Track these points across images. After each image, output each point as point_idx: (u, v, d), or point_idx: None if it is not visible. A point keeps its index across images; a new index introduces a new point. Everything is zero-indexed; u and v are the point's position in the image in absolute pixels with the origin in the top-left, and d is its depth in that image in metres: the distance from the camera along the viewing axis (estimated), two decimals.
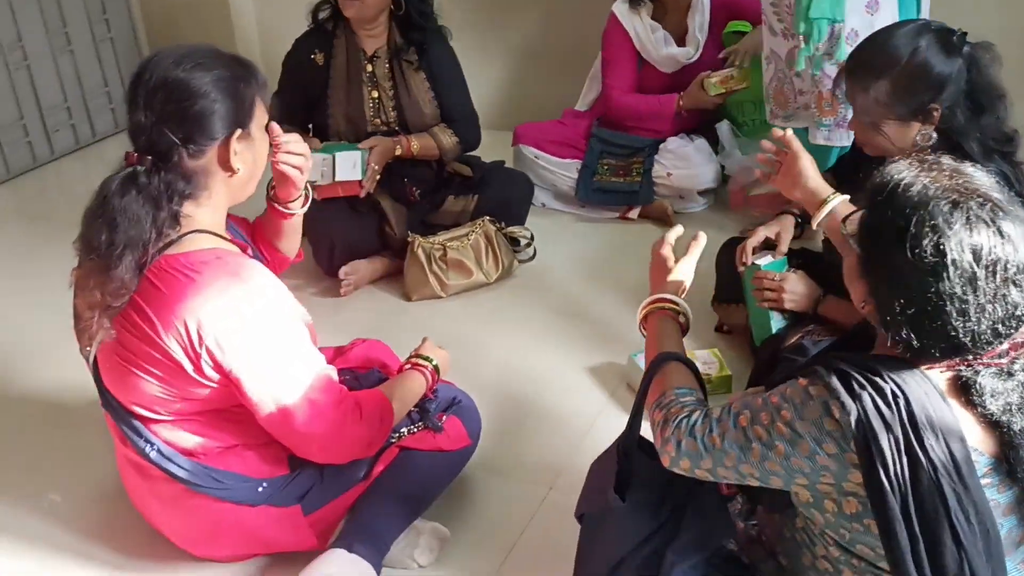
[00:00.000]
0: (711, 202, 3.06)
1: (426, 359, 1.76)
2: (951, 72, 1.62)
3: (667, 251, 1.52)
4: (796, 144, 1.70)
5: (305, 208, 1.71)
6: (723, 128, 3.02)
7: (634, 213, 3.01)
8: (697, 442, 1.18)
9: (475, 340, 2.37)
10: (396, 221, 2.62)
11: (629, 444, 1.35)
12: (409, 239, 2.57)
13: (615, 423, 2.04)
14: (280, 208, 1.68)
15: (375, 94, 2.58)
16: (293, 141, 1.57)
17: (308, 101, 2.61)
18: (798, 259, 2.11)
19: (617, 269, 2.73)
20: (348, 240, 2.58)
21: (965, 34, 1.65)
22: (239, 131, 1.42)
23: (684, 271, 1.50)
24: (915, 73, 1.62)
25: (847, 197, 1.66)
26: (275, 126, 1.53)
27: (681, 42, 2.99)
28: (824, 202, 1.66)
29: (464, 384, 1.89)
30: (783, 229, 2.07)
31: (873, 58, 1.67)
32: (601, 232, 2.98)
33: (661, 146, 2.99)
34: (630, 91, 3.00)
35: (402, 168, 2.64)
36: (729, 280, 2.25)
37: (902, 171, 1.08)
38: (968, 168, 1.09)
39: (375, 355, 1.91)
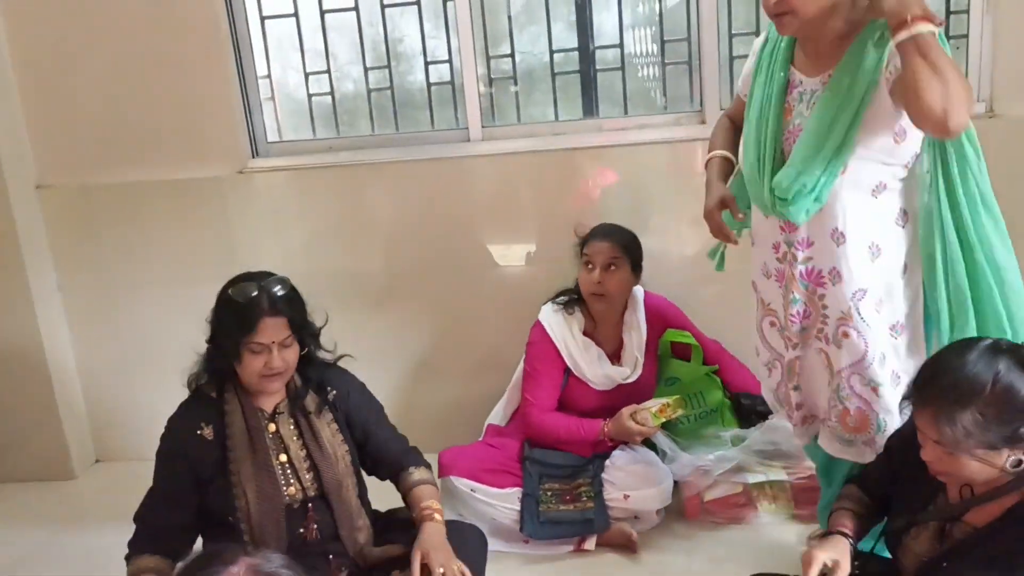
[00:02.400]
0: (663, 516, 2.75)
1: None
2: None
3: None
4: None
5: None
6: (659, 436, 2.78)
7: (590, 543, 2.63)
8: None
9: None
10: None
11: None
12: None
13: None
14: None
15: (283, 458, 2.12)
16: None
17: (195, 490, 2.11)
18: None
19: None
20: None
21: None
22: None
23: None
24: (1002, 400, 1.49)
25: None
26: None
27: (616, 358, 2.79)
28: None
29: None
30: (840, 556, 1.74)
31: (955, 386, 1.51)
32: (562, 574, 2.57)
33: (607, 463, 2.70)
34: (551, 409, 2.75)
35: (324, 543, 2.13)
36: None
37: None
38: None
39: None
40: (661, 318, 2.83)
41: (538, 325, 2.76)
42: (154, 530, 2.11)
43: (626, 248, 2.74)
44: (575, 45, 3.17)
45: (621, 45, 3.12)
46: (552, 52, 3.17)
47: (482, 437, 2.87)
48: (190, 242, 3.25)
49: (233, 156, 3.18)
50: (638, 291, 2.82)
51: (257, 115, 3.25)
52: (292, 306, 2.09)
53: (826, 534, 1.82)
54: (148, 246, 3.28)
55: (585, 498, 2.64)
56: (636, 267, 2.77)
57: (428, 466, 2.29)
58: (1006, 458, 1.51)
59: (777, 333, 2.13)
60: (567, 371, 2.75)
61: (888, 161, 1.89)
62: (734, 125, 2.24)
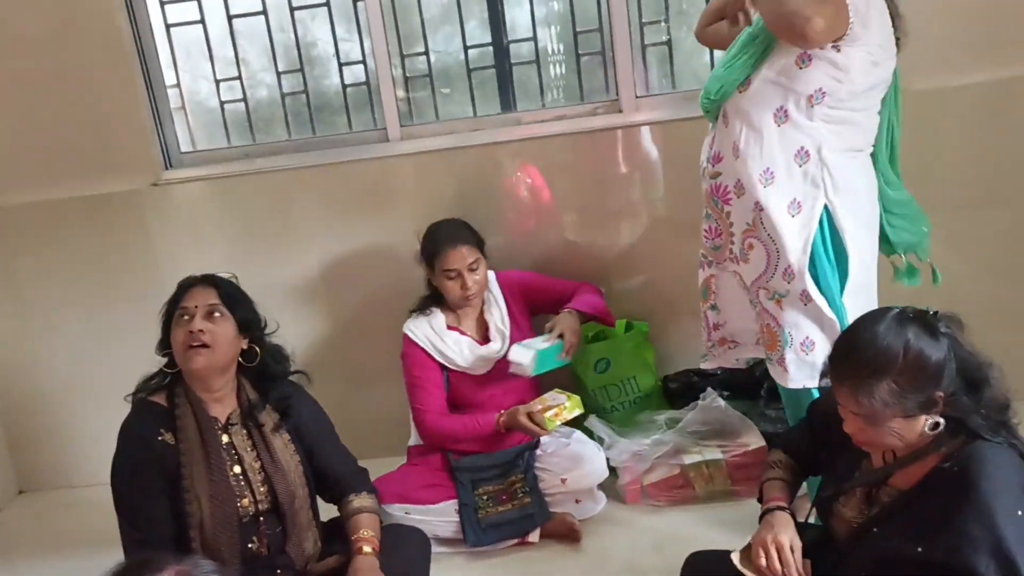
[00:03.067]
0: (605, 503, 2.75)
1: None
2: (943, 356, 1.54)
3: None
4: None
5: None
6: (595, 423, 2.82)
7: (534, 536, 2.63)
8: None
9: None
10: None
11: None
12: None
13: None
14: None
15: (237, 469, 2.07)
16: None
17: (170, 497, 2.02)
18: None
19: None
20: None
21: (936, 313, 1.60)
22: None
23: None
24: (915, 366, 1.52)
25: None
26: None
27: (484, 340, 2.81)
28: None
29: None
30: (794, 535, 1.73)
31: (871, 360, 1.54)
32: (507, 570, 2.56)
33: (538, 452, 2.71)
34: (443, 411, 2.74)
35: (272, 557, 2.08)
36: None
37: None
38: None
39: None
40: (517, 285, 2.87)
41: (404, 338, 2.76)
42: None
43: (479, 244, 2.78)
44: (489, 41, 3.17)
45: (535, 39, 3.13)
46: (466, 49, 3.16)
47: (406, 460, 2.84)
48: (108, 259, 3.16)
49: (146, 168, 3.11)
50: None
51: (168, 125, 3.18)
52: (227, 284, 2.11)
53: (766, 511, 1.82)
54: (64, 266, 3.18)
55: (521, 494, 2.64)
56: (485, 254, 2.80)
57: (372, 491, 2.25)
58: (924, 423, 1.55)
59: None
60: (445, 371, 2.75)
61: (789, 86, 2.00)
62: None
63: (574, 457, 2.68)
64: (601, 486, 2.74)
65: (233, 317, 2.08)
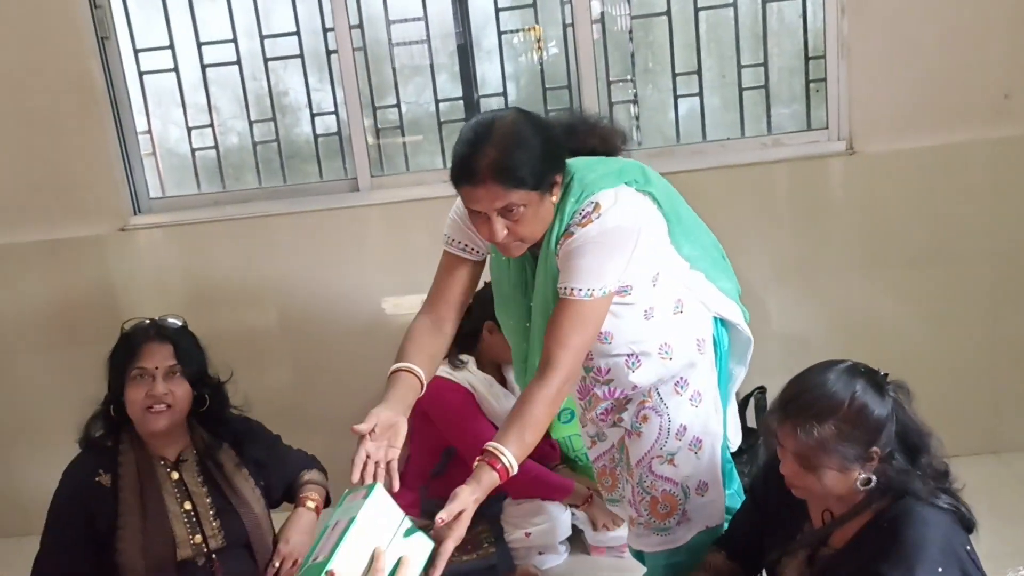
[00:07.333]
0: (568, 551, 2.77)
1: None
2: (886, 414, 1.60)
3: None
4: None
5: None
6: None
7: None
8: None
9: None
10: None
11: None
12: None
13: None
14: None
15: (187, 506, 2.06)
16: None
17: (91, 544, 2.00)
18: None
19: None
20: None
21: (887, 375, 1.66)
22: None
23: None
24: (857, 417, 1.58)
25: None
26: None
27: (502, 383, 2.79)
28: None
29: None
30: None
31: (816, 401, 1.60)
32: None
33: (504, 504, 2.71)
34: None
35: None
36: None
37: None
38: None
39: None
40: None
41: (442, 381, 2.64)
42: None
43: None
44: (460, 95, 3.23)
45: (504, 94, 3.20)
46: (437, 102, 3.22)
47: None
48: (69, 304, 3.13)
49: (114, 213, 3.10)
50: None
51: (138, 171, 3.18)
52: (182, 337, 2.07)
53: None
54: (21, 311, 3.14)
55: (486, 544, 2.63)
56: None
57: (322, 469, 2.32)
58: (857, 475, 1.60)
59: None
60: None
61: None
62: None
63: (541, 510, 2.68)
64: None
65: (187, 371, 2.06)
